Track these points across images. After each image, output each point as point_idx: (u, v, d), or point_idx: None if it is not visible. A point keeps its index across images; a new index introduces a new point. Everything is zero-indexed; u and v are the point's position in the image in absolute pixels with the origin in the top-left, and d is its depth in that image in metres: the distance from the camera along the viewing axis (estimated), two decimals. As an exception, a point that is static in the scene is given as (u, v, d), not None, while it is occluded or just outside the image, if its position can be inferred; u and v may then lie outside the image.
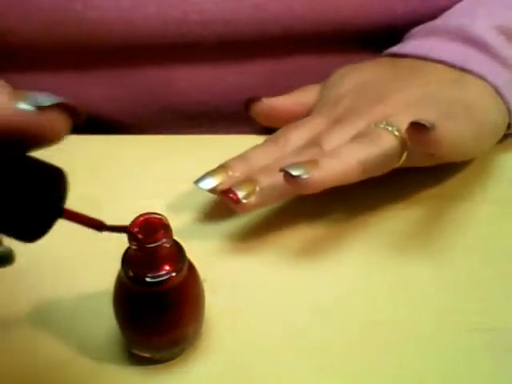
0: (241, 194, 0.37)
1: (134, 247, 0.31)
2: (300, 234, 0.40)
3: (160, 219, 0.31)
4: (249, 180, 0.38)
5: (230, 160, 0.40)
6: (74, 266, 0.38)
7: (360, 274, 0.38)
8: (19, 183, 0.24)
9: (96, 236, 0.40)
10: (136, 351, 0.34)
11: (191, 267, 0.33)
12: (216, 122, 0.50)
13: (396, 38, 0.48)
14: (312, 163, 0.36)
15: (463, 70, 0.42)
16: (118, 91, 0.49)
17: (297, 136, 0.41)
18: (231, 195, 0.37)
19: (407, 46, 0.45)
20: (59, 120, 0.24)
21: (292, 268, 0.39)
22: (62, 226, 0.41)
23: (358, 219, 0.41)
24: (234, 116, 0.50)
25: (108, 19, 0.44)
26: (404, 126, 0.36)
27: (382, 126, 0.38)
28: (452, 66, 0.42)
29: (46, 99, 0.24)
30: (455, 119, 0.38)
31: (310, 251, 0.39)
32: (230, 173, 0.39)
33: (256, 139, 0.43)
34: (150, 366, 0.34)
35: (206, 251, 0.39)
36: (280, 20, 0.45)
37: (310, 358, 0.34)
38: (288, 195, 0.39)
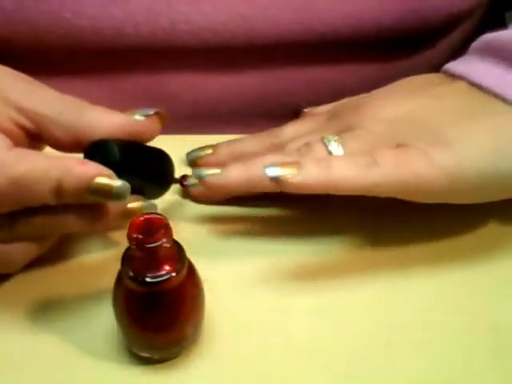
0: (189, 182, 0.41)
1: (133, 247, 0.31)
2: (301, 236, 0.40)
3: (160, 219, 0.31)
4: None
5: (220, 142, 0.44)
6: (74, 266, 0.38)
7: (360, 276, 0.38)
8: (149, 159, 0.38)
9: (96, 236, 0.40)
10: (136, 351, 0.34)
11: (191, 267, 0.33)
12: (212, 122, 0.50)
13: (385, 47, 0.48)
14: (224, 168, 0.39)
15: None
16: (111, 95, 0.49)
17: (290, 130, 0.43)
18: (183, 181, 0.41)
19: (460, 65, 0.41)
20: (157, 123, 0.37)
21: (292, 269, 0.39)
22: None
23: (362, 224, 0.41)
24: (230, 116, 0.50)
25: (98, 27, 0.44)
26: (350, 147, 0.37)
27: (330, 142, 0.38)
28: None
29: (150, 110, 0.37)
30: (408, 151, 0.35)
31: (310, 252, 0.39)
32: (213, 151, 0.43)
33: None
34: (150, 366, 0.34)
35: (205, 251, 0.39)
36: (268, 31, 0.45)
37: (309, 358, 0.34)
38: (223, 195, 0.42)
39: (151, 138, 0.37)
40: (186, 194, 0.42)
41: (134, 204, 0.35)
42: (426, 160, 0.35)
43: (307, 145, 0.38)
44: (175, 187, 0.42)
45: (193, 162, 0.44)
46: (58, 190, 0.32)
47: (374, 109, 0.39)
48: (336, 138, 0.38)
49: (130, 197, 0.34)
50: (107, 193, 0.33)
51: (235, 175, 0.38)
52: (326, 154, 0.37)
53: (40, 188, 0.32)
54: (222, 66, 0.48)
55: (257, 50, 0.46)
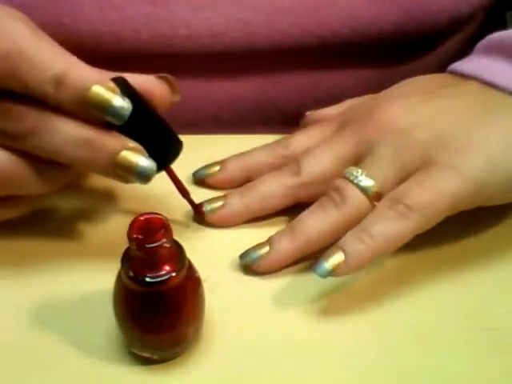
0: (207, 207, 0.40)
1: (133, 247, 0.31)
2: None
3: (160, 219, 0.31)
4: (220, 197, 0.41)
5: (227, 157, 0.43)
6: (74, 266, 0.38)
7: (359, 276, 0.38)
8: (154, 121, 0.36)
9: (96, 236, 0.40)
10: (136, 351, 0.34)
11: (191, 267, 0.33)
12: (212, 127, 0.50)
13: (385, 51, 0.48)
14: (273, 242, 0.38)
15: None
16: None
17: (299, 140, 0.42)
18: (200, 209, 0.40)
19: (469, 64, 0.41)
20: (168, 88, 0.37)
21: (292, 269, 0.39)
22: (61, 224, 0.41)
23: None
24: (230, 122, 0.50)
25: (97, 33, 0.44)
26: (378, 175, 0.37)
27: (356, 177, 0.37)
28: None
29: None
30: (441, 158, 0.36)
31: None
32: (220, 167, 0.42)
33: (261, 138, 0.44)
34: (150, 366, 0.34)
35: (205, 251, 0.39)
36: (267, 35, 0.45)
37: (309, 359, 0.34)
38: (256, 214, 0.41)
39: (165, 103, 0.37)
40: (201, 220, 0.41)
41: (131, 151, 0.33)
42: (452, 174, 0.35)
43: (337, 190, 0.37)
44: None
45: (201, 181, 0.43)
46: (59, 80, 0.32)
47: (388, 117, 0.39)
48: (359, 170, 0.37)
49: (129, 141, 0.33)
50: (105, 105, 0.32)
51: (287, 247, 0.37)
52: (360, 193, 0.36)
53: (42, 69, 0.32)
54: (222, 72, 0.48)
55: (257, 55, 0.46)
